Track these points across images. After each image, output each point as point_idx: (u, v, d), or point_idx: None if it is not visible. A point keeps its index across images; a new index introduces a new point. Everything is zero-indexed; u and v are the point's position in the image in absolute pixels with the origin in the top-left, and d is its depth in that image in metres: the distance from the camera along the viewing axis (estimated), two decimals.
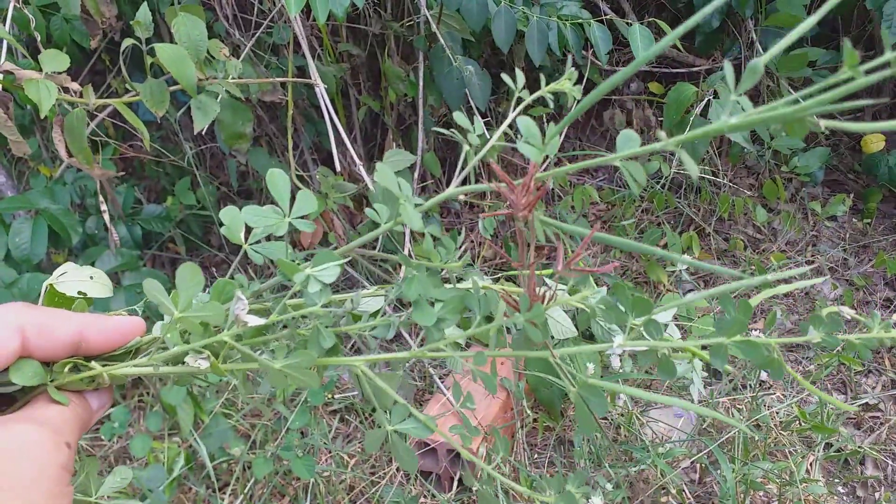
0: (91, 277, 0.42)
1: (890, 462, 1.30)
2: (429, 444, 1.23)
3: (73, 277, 0.42)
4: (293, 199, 0.37)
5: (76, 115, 0.83)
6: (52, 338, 0.35)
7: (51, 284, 0.42)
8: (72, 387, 0.36)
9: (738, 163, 2.05)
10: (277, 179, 0.37)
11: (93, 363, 0.37)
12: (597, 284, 0.44)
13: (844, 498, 1.26)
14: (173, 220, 1.75)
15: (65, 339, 0.36)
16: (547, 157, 0.33)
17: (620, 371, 1.43)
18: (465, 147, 0.35)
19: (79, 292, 0.42)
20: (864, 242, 1.85)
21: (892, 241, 1.84)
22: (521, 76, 0.42)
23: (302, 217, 0.37)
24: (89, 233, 1.55)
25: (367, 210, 0.39)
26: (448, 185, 1.86)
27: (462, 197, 0.40)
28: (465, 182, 0.40)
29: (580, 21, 1.28)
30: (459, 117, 0.32)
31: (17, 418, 0.34)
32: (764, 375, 1.53)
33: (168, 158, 1.75)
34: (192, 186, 1.81)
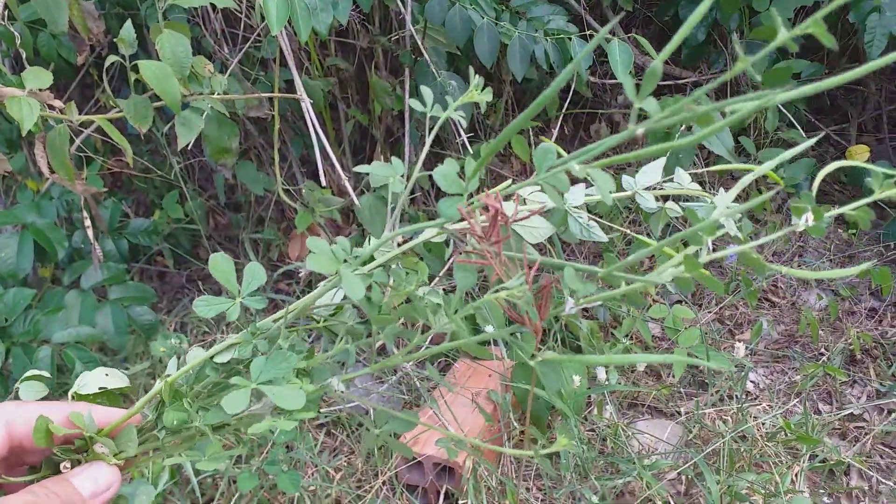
0: (107, 375, 0.47)
1: (874, 472, 1.31)
2: (415, 458, 1.23)
3: (91, 380, 0.46)
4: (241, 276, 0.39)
5: (59, 131, 0.83)
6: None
7: (75, 392, 0.46)
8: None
9: (725, 174, 2.06)
10: (220, 264, 0.37)
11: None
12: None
13: None
14: (161, 234, 1.75)
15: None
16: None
17: (606, 383, 1.43)
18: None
19: (99, 388, 0.46)
20: (850, 253, 1.86)
21: (876, 251, 1.85)
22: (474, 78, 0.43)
23: (253, 293, 0.38)
24: (76, 247, 1.55)
25: None
26: (436, 197, 1.86)
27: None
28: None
29: (562, 36, 1.30)
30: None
31: None
32: (750, 386, 1.53)
33: (156, 173, 1.75)
34: (180, 200, 1.81)
